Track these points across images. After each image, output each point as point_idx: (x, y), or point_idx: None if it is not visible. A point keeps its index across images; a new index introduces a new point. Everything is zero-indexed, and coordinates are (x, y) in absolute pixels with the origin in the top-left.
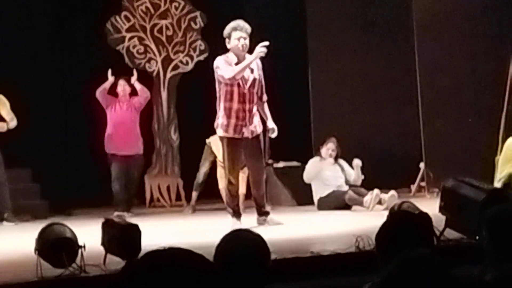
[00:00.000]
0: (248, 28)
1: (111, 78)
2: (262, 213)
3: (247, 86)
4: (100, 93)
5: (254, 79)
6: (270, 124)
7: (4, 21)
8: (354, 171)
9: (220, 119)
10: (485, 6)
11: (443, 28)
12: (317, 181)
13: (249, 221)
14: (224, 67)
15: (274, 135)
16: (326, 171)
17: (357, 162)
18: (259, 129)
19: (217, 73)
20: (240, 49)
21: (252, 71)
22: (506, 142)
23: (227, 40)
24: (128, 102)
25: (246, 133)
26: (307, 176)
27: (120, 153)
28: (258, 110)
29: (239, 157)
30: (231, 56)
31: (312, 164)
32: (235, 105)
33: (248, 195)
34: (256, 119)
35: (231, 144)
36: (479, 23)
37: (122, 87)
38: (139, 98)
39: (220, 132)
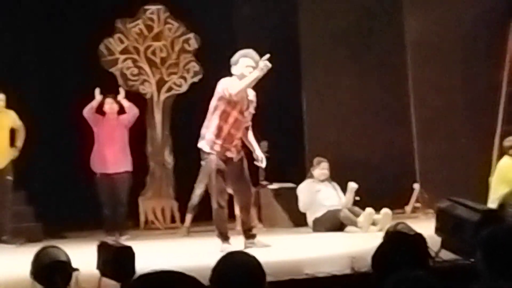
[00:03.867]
0: (257, 58)
1: (98, 97)
2: (250, 236)
3: (243, 112)
4: (87, 111)
5: (248, 106)
6: (258, 153)
7: None
8: (346, 195)
9: (209, 135)
10: (475, 28)
11: (436, 50)
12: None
13: (240, 243)
14: (231, 84)
15: (263, 164)
16: (321, 192)
17: (352, 185)
18: (242, 152)
19: (223, 91)
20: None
21: (247, 96)
22: (499, 162)
23: (233, 66)
24: (117, 120)
25: (230, 155)
26: (303, 205)
27: (108, 171)
28: (242, 139)
29: (226, 175)
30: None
31: (306, 190)
32: (227, 127)
33: None
34: (240, 144)
35: (216, 160)
36: (471, 45)
37: (110, 105)
38: (128, 115)
39: (205, 146)
